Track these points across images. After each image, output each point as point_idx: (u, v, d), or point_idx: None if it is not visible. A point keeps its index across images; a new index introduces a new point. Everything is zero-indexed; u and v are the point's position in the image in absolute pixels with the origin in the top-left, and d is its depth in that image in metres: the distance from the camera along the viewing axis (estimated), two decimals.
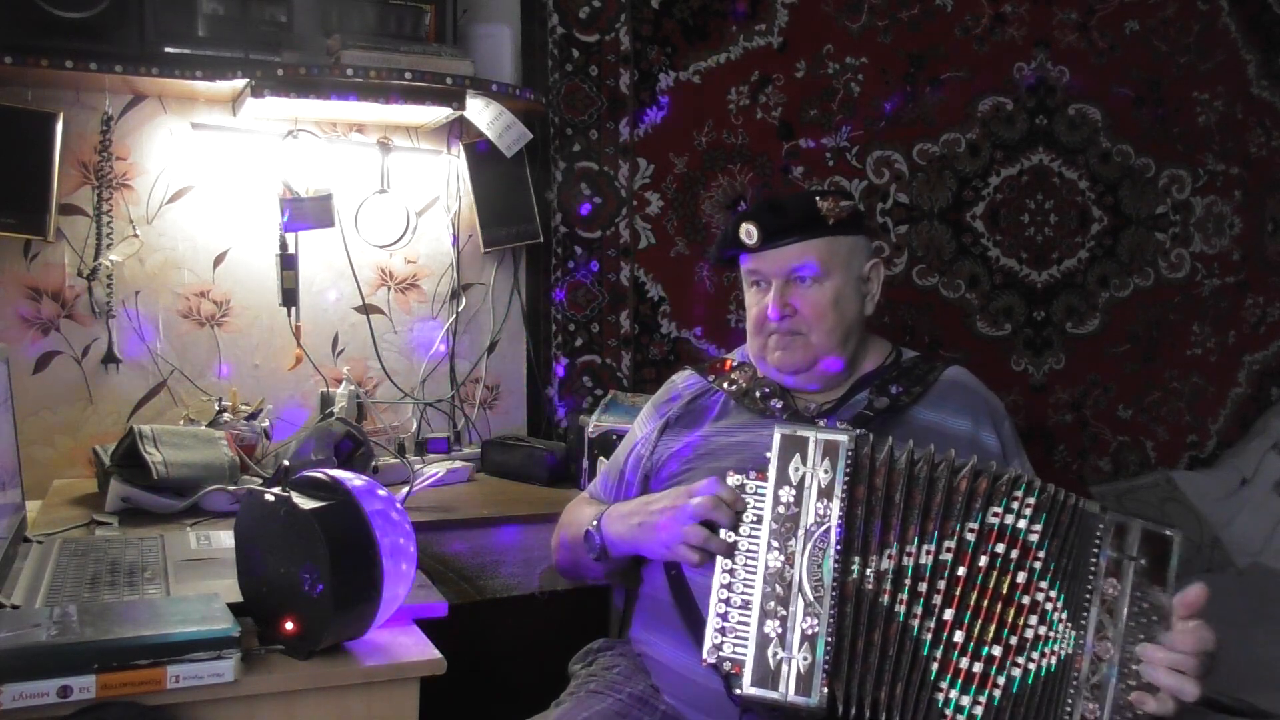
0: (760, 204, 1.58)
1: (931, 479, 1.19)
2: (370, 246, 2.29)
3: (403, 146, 2.31)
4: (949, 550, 1.18)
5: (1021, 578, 1.16)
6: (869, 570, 1.18)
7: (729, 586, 1.20)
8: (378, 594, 1.16)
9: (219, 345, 2.19)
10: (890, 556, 1.18)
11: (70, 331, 2.08)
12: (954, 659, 1.15)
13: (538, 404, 2.44)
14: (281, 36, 1.95)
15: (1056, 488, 1.18)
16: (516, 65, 2.31)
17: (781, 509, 1.19)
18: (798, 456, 1.20)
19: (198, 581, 1.34)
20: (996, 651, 1.15)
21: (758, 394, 1.53)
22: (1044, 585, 1.16)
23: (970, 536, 1.17)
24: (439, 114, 2.18)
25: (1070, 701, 1.13)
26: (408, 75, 2.00)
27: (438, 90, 2.06)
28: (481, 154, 2.30)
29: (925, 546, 1.18)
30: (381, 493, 1.22)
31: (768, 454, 1.21)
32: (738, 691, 1.17)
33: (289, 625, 1.14)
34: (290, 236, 2.18)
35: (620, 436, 1.73)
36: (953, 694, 1.15)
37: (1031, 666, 1.14)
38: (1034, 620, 1.15)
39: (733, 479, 1.24)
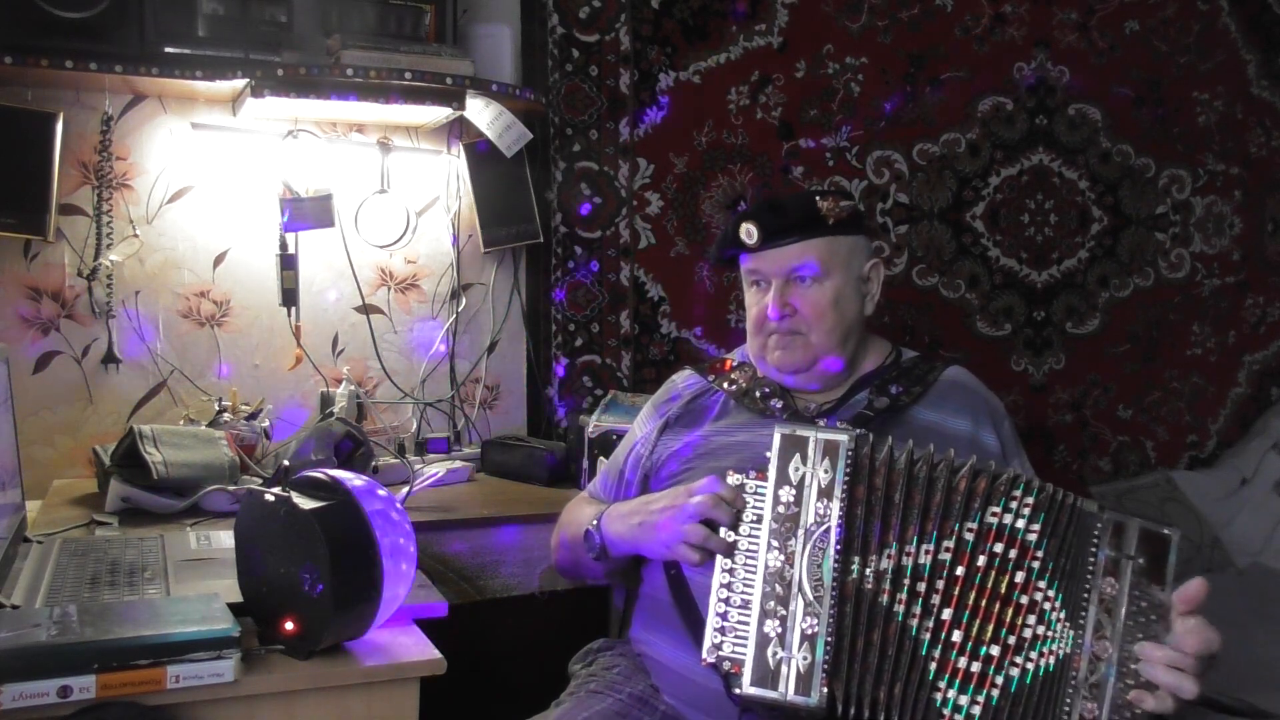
0: (760, 204, 1.58)
1: (931, 479, 1.19)
2: (370, 246, 2.29)
3: (403, 146, 2.31)
4: (948, 550, 1.18)
5: (1020, 577, 1.16)
6: (868, 570, 1.18)
7: (729, 586, 1.20)
8: (378, 594, 1.16)
9: (219, 345, 2.19)
10: (890, 556, 1.18)
11: (70, 331, 2.08)
12: (952, 658, 1.15)
13: (538, 404, 2.44)
14: (281, 36, 1.95)
15: (1055, 487, 1.18)
16: (516, 65, 2.31)
17: (781, 508, 1.19)
18: (798, 456, 1.20)
19: (198, 581, 1.34)
20: (995, 651, 1.15)
21: (758, 394, 1.53)
22: (1042, 585, 1.16)
23: (969, 536, 1.17)
24: (439, 114, 2.18)
25: (1069, 701, 1.13)
26: (408, 75, 2.00)
27: (438, 90, 2.06)
28: (481, 154, 2.30)
29: (924, 546, 1.18)
30: (381, 493, 1.22)
31: (768, 453, 1.21)
32: (737, 691, 1.17)
33: (289, 625, 1.14)
34: (290, 236, 2.18)
35: (620, 436, 1.73)
36: (951, 693, 1.15)
37: (1030, 666, 1.14)
38: (1032, 620, 1.15)
39: (733, 478, 1.24)
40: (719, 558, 1.22)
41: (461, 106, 2.11)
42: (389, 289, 2.32)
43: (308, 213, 2.15)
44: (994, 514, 1.18)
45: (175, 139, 2.13)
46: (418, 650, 1.20)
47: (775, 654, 1.16)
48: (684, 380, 1.63)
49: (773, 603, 1.17)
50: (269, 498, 1.18)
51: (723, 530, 1.22)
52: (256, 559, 1.19)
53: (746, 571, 1.20)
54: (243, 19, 1.92)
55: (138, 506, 1.74)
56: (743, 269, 1.54)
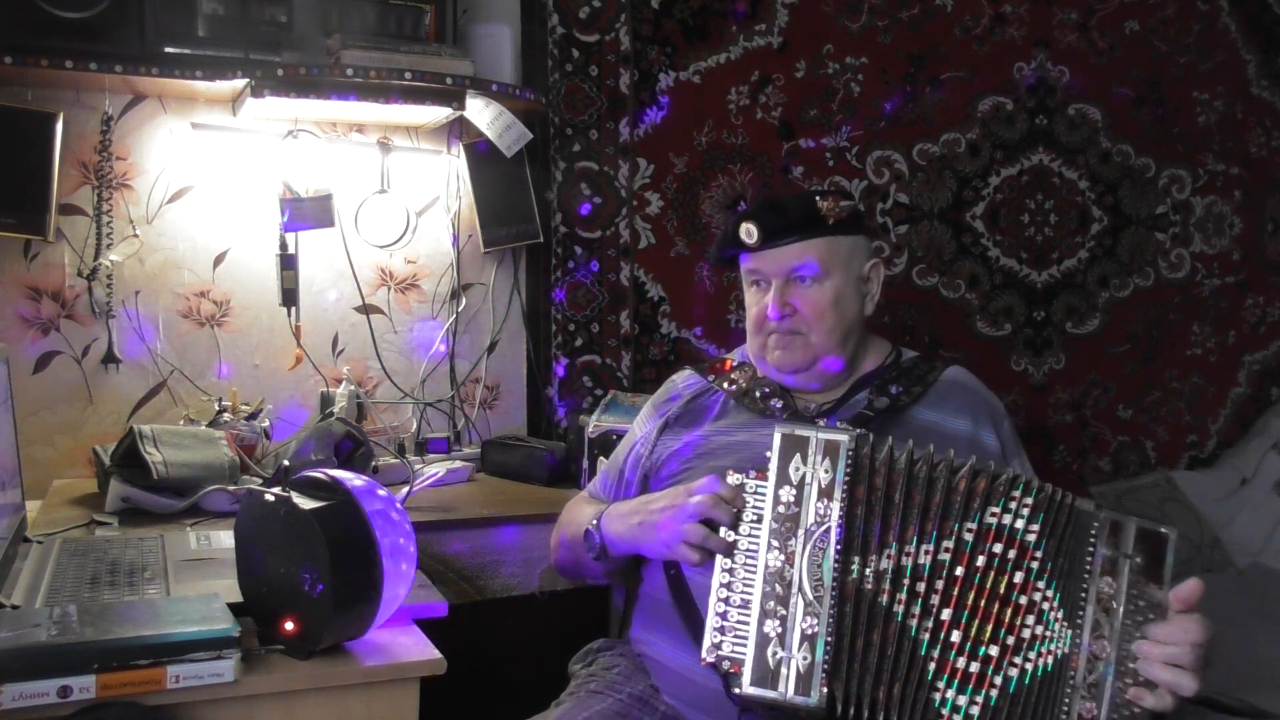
0: (760, 204, 1.58)
1: (931, 479, 1.19)
2: (370, 246, 2.29)
3: (403, 146, 2.31)
4: (948, 550, 1.18)
5: (1019, 578, 1.16)
6: (868, 570, 1.18)
7: (728, 586, 1.20)
8: (378, 594, 1.16)
9: (219, 345, 2.19)
10: (889, 556, 1.18)
11: (70, 331, 2.08)
12: (951, 659, 1.16)
13: (538, 404, 2.44)
14: (281, 36, 1.95)
15: (1054, 488, 1.18)
16: (516, 65, 2.31)
17: (781, 508, 1.19)
18: (798, 456, 1.20)
19: (198, 581, 1.34)
20: (994, 651, 1.15)
21: (758, 394, 1.53)
22: (1041, 585, 1.16)
23: (969, 536, 1.17)
24: (439, 114, 2.18)
25: (1067, 701, 1.13)
26: (408, 75, 2.00)
27: (438, 90, 2.06)
28: (481, 154, 2.30)
29: (924, 546, 1.18)
30: (381, 493, 1.22)
31: (768, 453, 1.21)
32: (737, 691, 1.17)
33: (289, 625, 1.14)
34: (290, 236, 2.18)
35: (620, 436, 1.73)
36: (950, 694, 1.15)
37: (1028, 666, 1.15)
38: (1031, 620, 1.15)
39: (733, 478, 1.24)
40: (719, 557, 1.22)
41: (461, 106, 2.11)
42: (389, 289, 2.32)
43: (308, 213, 2.15)
44: (993, 514, 1.18)
45: (175, 139, 2.13)
46: (418, 650, 1.20)
47: (775, 654, 1.16)
48: (684, 380, 1.63)
49: (773, 602, 1.17)
50: (269, 498, 1.18)
51: (722, 530, 1.22)
52: (256, 559, 1.19)
53: (746, 571, 1.20)
54: (243, 19, 1.92)
55: (138, 506, 1.74)
56: (743, 269, 1.54)
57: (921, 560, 1.18)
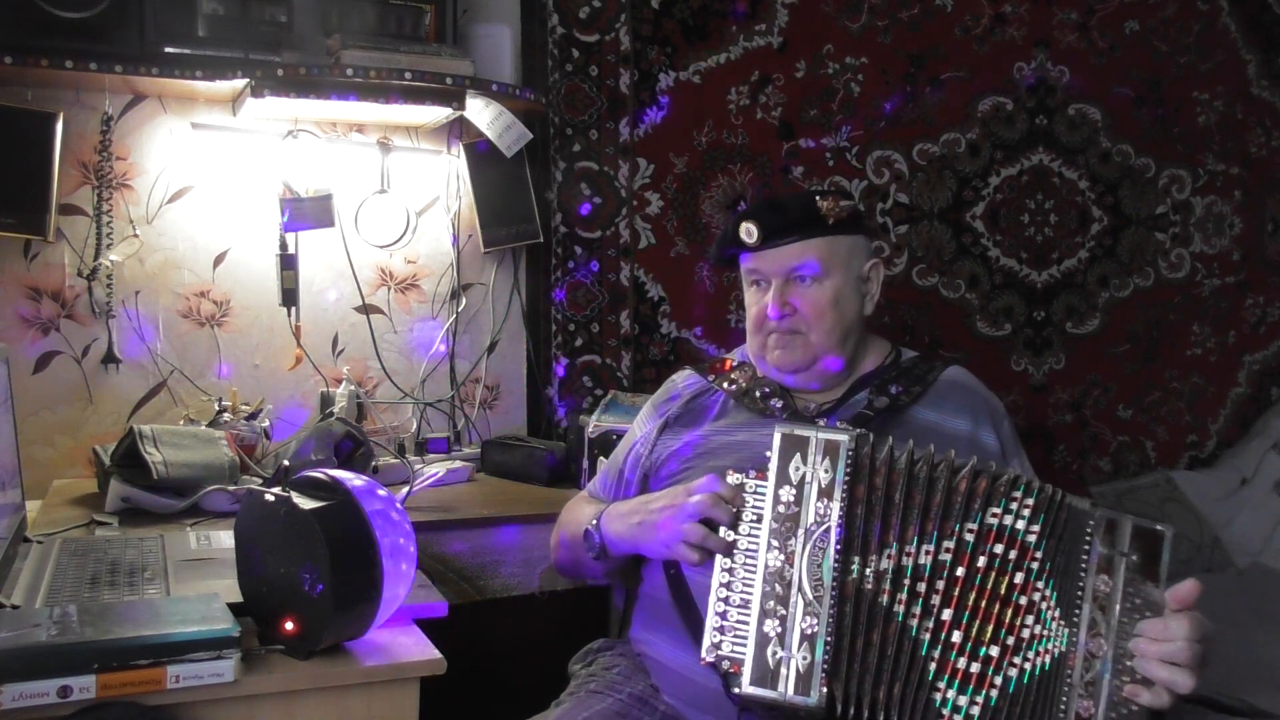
0: (760, 203, 1.58)
1: (931, 479, 1.19)
2: (370, 246, 2.29)
3: (403, 146, 2.31)
4: (948, 550, 1.18)
5: (1019, 578, 1.16)
6: (868, 570, 1.18)
7: (728, 585, 1.20)
8: (378, 594, 1.16)
9: (219, 345, 2.19)
10: (890, 556, 1.18)
11: (70, 331, 2.08)
12: (952, 659, 1.15)
13: (538, 404, 2.44)
14: (281, 36, 1.95)
15: (1054, 488, 1.18)
16: (516, 65, 2.32)
17: (781, 508, 1.19)
18: (798, 456, 1.20)
19: (198, 581, 1.34)
20: (994, 652, 1.15)
21: (757, 393, 1.53)
22: (1040, 585, 1.16)
23: (969, 537, 1.17)
24: (439, 114, 2.18)
25: (1064, 699, 1.13)
26: (408, 75, 2.00)
27: (438, 90, 2.06)
28: (481, 154, 2.30)
29: (925, 546, 1.18)
30: (381, 493, 1.22)
31: (768, 453, 1.21)
32: (736, 690, 1.17)
33: (289, 625, 1.14)
34: (290, 236, 2.18)
35: (620, 436, 1.73)
36: (950, 694, 1.15)
37: (1027, 666, 1.14)
38: (1030, 620, 1.15)
39: (732, 477, 1.24)
40: (718, 557, 1.22)
41: (461, 106, 2.11)
42: (389, 289, 2.32)
43: (308, 213, 2.15)
44: (994, 515, 1.18)
45: (175, 139, 2.13)
46: (418, 650, 1.20)
47: (775, 653, 1.16)
48: (684, 380, 1.63)
49: (772, 602, 1.17)
50: (269, 498, 1.18)
51: (722, 530, 1.22)
52: (256, 559, 1.19)
53: (746, 571, 1.20)
54: (243, 19, 1.92)
55: (138, 506, 1.74)
56: (743, 268, 1.54)
57: (922, 560, 1.18)
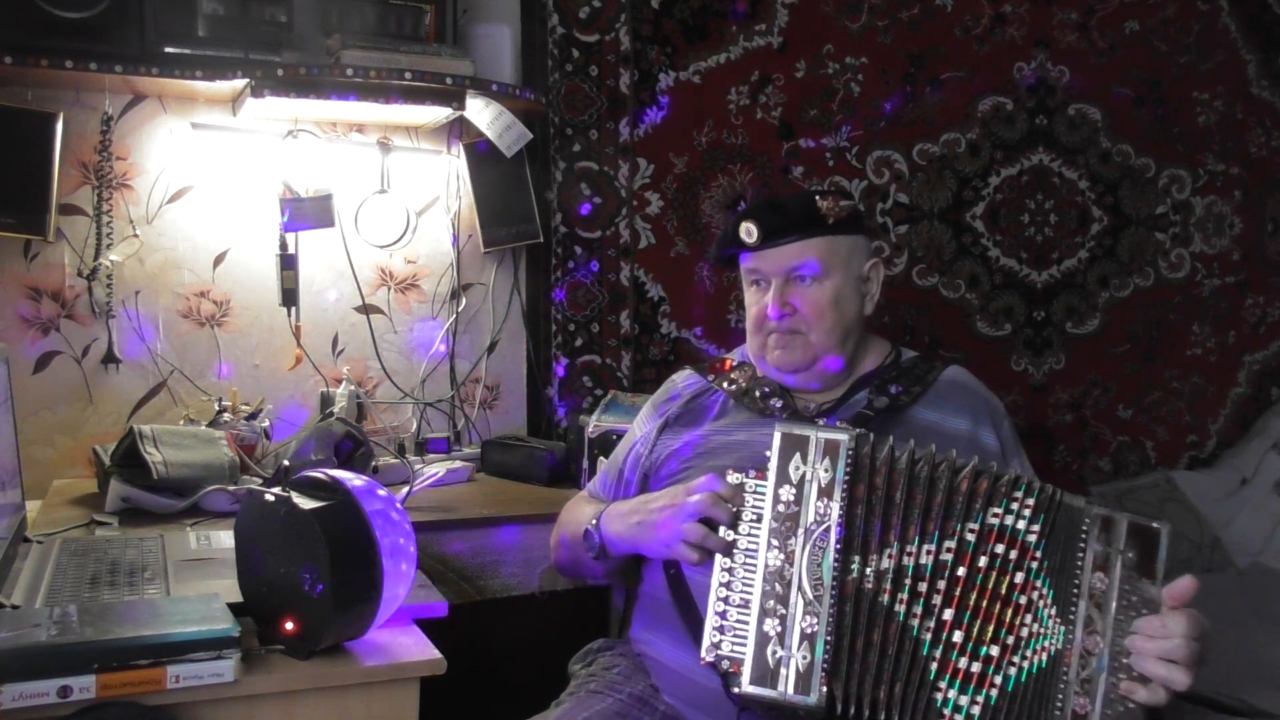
0: (760, 203, 1.58)
1: (932, 479, 1.19)
2: (370, 246, 2.29)
3: (403, 146, 2.31)
4: (949, 550, 1.18)
5: (1020, 578, 1.16)
6: (869, 569, 1.18)
7: (728, 585, 1.20)
8: (378, 594, 1.16)
9: (219, 345, 2.19)
10: (890, 556, 1.18)
11: (70, 331, 2.08)
12: (953, 659, 1.15)
13: (538, 404, 2.44)
14: (281, 36, 1.95)
15: (1055, 488, 1.18)
16: (516, 65, 2.32)
17: (781, 508, 1.19)
18: (798, 455, 1.20)
19: (198, 581, 1.34)
20: (994, 651, 1.15)
21: (757, 393, 1.53)
22: (1039, 584, 1.16)
23: (970, 537, 1.17)
24: (439, 114, 2.18)
25: (1061, 697, 1.13)
26: (408, 75, 2.00)
27: (438, 90, 2.06)
28: (481, 154, 2.30)
29: (925, 546, 1.18)
30: (381, 493, 1.22)
31: (767, 453, 1.21)
32: (736, 690, 1.17)
33: (289, 625, 1.14)
34: (290, 236, 2.18)
35: (620, 436, 1.73)
36: (951, 693, 1.15)
37: (1025, 665, 1.14)
38: (1029, 619, 1.15)
39: (732, 477, 1.24)
40: (718, 557, 1.22)
41: (461, 106, 2.11)
42: (389, 289, 2.32)
43: (308, 213, 2.15)
44: (995, 515, 1.17)
45: (175, 139, 2.13)
46: (418, 650, 1.20)
47: (774, 653, 1.16)
48: (684, 380, 1.63)
49: (772, 602, 1.17)
50: (269, 498, 1.18)
51: (722, 529, 1.22)
52: (256, 559, 1.19)
53: (746, 570, 1.20)
54: (243, 19, 1.92)
55: (138, 506, 1.74)
56: (742, 268, 1.54)
57: (923, 560, 1.17)
